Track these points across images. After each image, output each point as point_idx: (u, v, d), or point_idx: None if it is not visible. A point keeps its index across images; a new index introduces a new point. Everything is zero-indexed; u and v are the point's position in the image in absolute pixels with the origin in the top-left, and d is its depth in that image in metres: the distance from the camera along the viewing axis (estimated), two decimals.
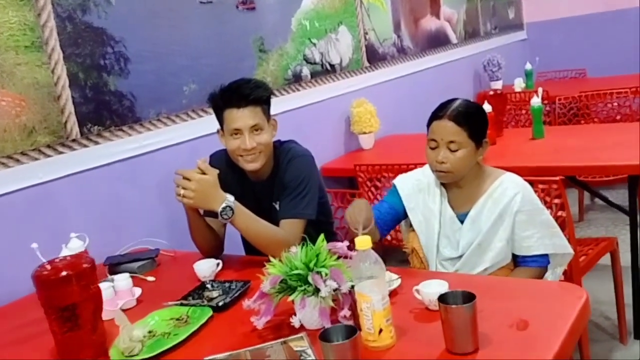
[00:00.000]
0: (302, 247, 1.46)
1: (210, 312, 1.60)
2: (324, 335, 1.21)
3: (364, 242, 1.30)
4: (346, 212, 1.68)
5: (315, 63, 3.36)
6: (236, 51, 2.88)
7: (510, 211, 1.83)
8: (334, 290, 1.38)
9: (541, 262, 1.84)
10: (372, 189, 2.91)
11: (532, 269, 1.84)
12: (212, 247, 2.04)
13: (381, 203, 2.05)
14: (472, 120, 1.84)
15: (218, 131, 2.06)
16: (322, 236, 1.48)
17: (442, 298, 1.27)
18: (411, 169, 2.70)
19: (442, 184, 1.95)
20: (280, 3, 3.14)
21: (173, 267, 2.10)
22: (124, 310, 1.73)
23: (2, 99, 1.99)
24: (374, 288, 1.30)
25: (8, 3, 2.00)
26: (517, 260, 1.87)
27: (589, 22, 5.78)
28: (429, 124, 1.89)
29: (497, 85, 5.03)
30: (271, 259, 1.48)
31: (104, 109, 2.30)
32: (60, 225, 2.11)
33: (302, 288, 1.39)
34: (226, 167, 2.06)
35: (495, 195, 1.86)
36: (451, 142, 1.82)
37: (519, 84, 4.85)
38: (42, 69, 2.10)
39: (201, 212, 1.99)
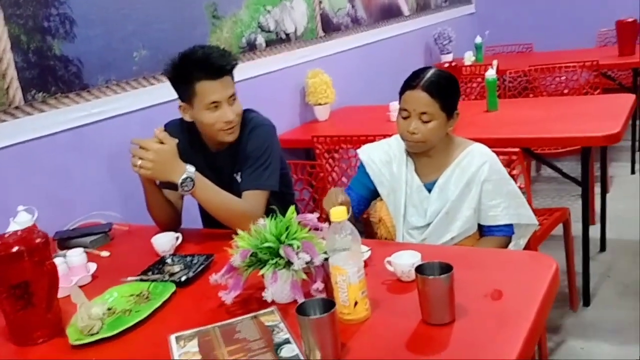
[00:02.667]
0: (271, 219, 1.41)
1: (173, 288, 1.54)
2: (300, 310, 1.17)
3: (339, 213, 1.26)
4: (323, 201, 1.73)
5: (270, 31, 3.26)
6: (189, 17, 2.75)
7: (477, 180, 1.83)
8: (306, 263, 1.33)
9: (506, 232, 1.85)
10: (330, 160, 2.87)
11: (497, 238, 1.85)
12: (170, 220, 1.96)
13: (348, 192, 2.00)
14: (445, 91, 1.82)
15: (180, 106, 1.93)
16: (292, 208, 1.43)
17: (419, 269, 1.24)
18: (370, 141, 2.67)
19: (409, 154, 1.93)
20: None
21: (128, 241, 2.01)
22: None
23: None
24: (349, 260, 1.26)
25: None
26: (483, 230, 1.88)
27: None
28: (401, 93, 1.86)
29: (448, 58, 5.04)
30: (239, 231, 1.42)
31: (48, 74, 2.15)
32: (2, 198, 1.98)
33: (274, 261, 1.34)
34: (183, 137, 1.94)
35: (463, 164, 1.85)
36: (423, 113, 1.80)
37: (469, 58, 4.87)
38: None
39: (157, 183, 1.89)
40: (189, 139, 1.99)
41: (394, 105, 3.24)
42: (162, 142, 1.76)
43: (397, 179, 1.93)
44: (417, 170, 1.92)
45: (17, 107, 2.05)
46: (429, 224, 1.88)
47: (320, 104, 3.46)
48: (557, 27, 5.64)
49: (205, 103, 1.85)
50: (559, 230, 2.62)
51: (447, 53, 5.09)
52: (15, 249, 1.33)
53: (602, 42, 5.26)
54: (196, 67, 1.84)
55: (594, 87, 3.90)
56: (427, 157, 1.90)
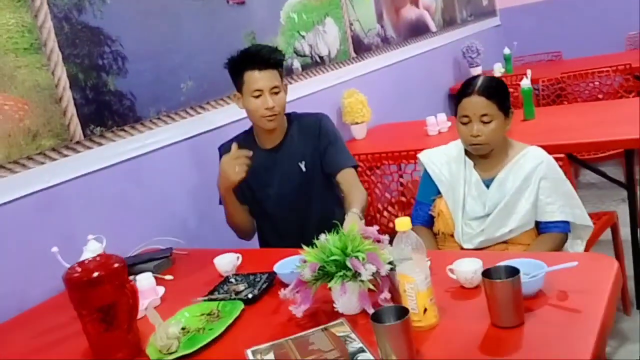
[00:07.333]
0: (334, 234, 1.46)
1: (241, 305, 1.59)
2: (374, 318, 1.21)
3: (403, 223, 1.31)
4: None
5: (305, 55, 3.36)
6: (230, 46, 2.81)
7: (535, 177, 1.92)
8: (372, 274, 1.38)
9: (563, 228, 1.93)
10: (372, 177, 2.92)
11: (554, 234, 1.92)
12: (250, 228, 2.28)
13: (420, 206, 2.13)
14: (499, 92, 1.95)
15: (235, 95, 2.19)
16: (354, 223, 1.49)
17: (486, 274, 1.28)
18: (412, 155, 2.75)
19: (468, 155, 2.04)
20: None
21: (189, 264, 2.08)
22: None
23: (4, 103, 1.94)
24: (415, 269, 1.31)
25: (5, 5, 1.95)
26: (540, 227, 1.96)
27: (559, 5, 5.89)
28: (457, 102, 1.97)
29: (477, 71, 5.08)
30: (304, 247, 1.48)
31: (105, 109, 2.26)
32: (69, 228, 2.07)
33: (341, 273, 1.39)
34: (241, 144, 2.17)
35: (521, 162, 1.96)
36: (484, 115, 1.91)
37: (498, 69, 4.91)
38: (42, 71, 2.05)
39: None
40: (242, 147, 2.15)
41: (431, 120, 3.30)
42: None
43: (456, 177, 2.03)
44: (475, 168, 2.02)
45: (77, 142, 2.16)
46: (488, 215, 1.96)
47: (357, 123, 3.52)
48: (584, 33, 5.63)
49: (250, 90, 2.11)
50: (605, 235, 2.62)
51: (476, 66, 5.13)
52: (96, 274, 1.41)
53: (632, 45, 5.25)
54: (246, 59, 2.13)
55: (628, 91, 3.89)
56: (484, 158, 2.01)
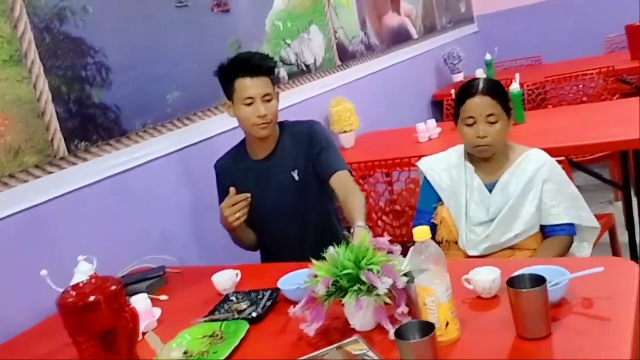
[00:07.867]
0: (346, 246, 1.39)
1: (246, 325, 1.50)
2: (398, 334, 1.14)
3: (422, 232, 1.24)
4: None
5: (291, 64, 3.29)
6: (215, 55, 2.72)
7: (538, 179, 1.88)
8: (389, 287, 1.31)
9: (569, 231, 1.89)
10: (365, 186, 2.86)
11: (560, 237, 1.88)
12: (256, 243, 2.26)
13: (422, 215, 2.06)
14: (500, 92, 1.92)
15: (225, 103, 2.14)
16: (365, 235, 1.42)
17: (510, 282, 1.22)
18: (405, 163, 2.69)
19: (468, 160, 1.99)
20: (252, 5, 3.06)
21: (183, 283, 1.98)
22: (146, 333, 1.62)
23: None
24: (436, 280, 1.24)
25: None
26: (546, 231, 1.91)
27: (536, 11, 5.93)
28: (459, 105, 1.91)
29: (459, 77, 5.08)
30: (314, 261, 1.40)
31: (89, 123, 2.16)
32: (56, 249, 1.97)
33: (355, 288, 1.32)
34: (233, 160, 2.22)
35: (523, 165, 1.92)
36: (490, 114, 1.88)
37: (480, 75, 4.90)
38: (23, 84, 1.95)
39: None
40: (236, 160, 2.21)
41: (421, 127, 3.26)
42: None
43: (457, 182, 1.98)
44: (476, 173, 1.97)
45: (62, 158, 2.05)
46: (492, 220, 1.91)
47: (345, 132, 3.46)
48: (562, 37, 5.66)
49: (242, 98, 2.05)
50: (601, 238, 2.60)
51: (458, 72, 5.12)
52: (92, 298, 1.31)
53: (610, 48, 5.29)
54: (236, 66, 2.08)
55: (612, 93, 3.90)
56: (486, 162, 1.96)
